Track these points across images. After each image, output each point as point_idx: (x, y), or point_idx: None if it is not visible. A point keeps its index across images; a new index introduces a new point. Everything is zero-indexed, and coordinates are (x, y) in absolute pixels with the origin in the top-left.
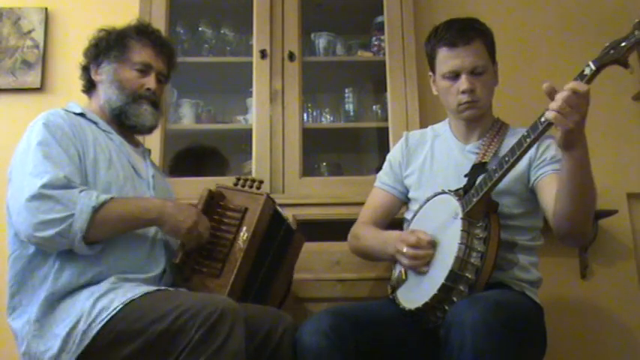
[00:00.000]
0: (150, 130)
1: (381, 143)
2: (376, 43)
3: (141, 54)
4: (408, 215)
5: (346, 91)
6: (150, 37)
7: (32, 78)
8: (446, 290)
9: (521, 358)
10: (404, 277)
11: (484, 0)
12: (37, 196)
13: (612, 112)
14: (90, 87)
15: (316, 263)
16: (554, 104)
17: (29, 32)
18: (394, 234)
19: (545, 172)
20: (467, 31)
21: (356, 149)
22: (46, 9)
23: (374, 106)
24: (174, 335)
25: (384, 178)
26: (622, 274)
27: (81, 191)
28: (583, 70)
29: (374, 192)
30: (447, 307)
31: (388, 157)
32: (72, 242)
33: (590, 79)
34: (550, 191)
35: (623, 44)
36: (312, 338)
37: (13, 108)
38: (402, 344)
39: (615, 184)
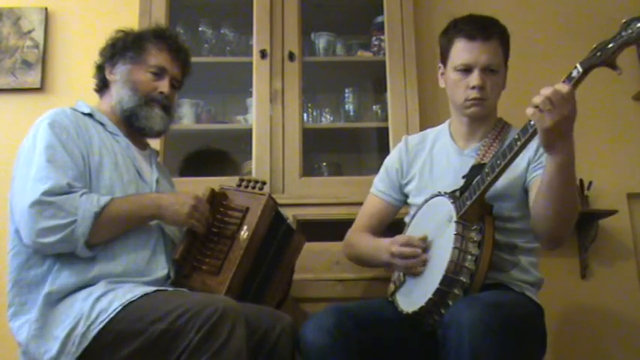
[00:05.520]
0: (158, 134)
1: (381, 143)
2: (376, 43)
3: (157, 57)
4: (407, 219)
5: (346, 91)
6: (167, 42)
7: (32, 78)
8: (441, 294)
9: (519, 356)
10: (402, 279)
11: (484, 0)
12: (39, 202)
13: (612, 112)
14: (103, 86)
15: (316, 263)
16: (535, 99)
17: (29, 32)
18: (386, 241)
19: (538, 174)
20: (488, 28)
21: (356, 149)
22: (46, 9)
23: (374, 106)
24: (175, 336)
25: (378, 184)
26: (622, 274)
27: (82, 195)
28: (571, 73)
29: (369, 199)
30: (442, 311)
31: (385, 162)
32: (74, 247)
33: (577, 82)
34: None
35: (610, 45)
36: (316, 336)
37: (13, 108)
38: (403, 344)
39: (615, 184)
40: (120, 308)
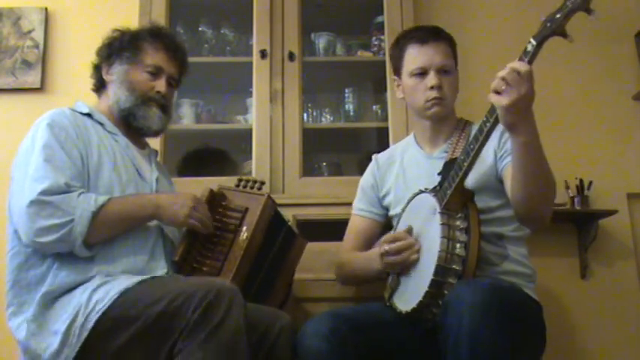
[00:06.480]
0: (156, 133)
1: (381, 143)
2: (376, 43)
3: (153, 57)
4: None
5: (346, 91)
6: (163, 41)
7: (32, 78)
8: (436, 285)
9: (517, 343)
10: (397, 281)
11: (483, 0)
12: (37, 202)
13: (612, 112)
14: (100, 86)
15: (316, 263)
16: (493, 82)
17: (29, 32)
18: (376, 249)
19: (508, 162)
20: (437, 32)
21: (356, 149)
22: (46, 9)
23: (374, 106)
24: (172, 317)
25: (358, 204)
26: (622, 274)
27: (79, 195)
28: (526, 48)
29: (352, 220)
30: (440, 302)
31: (360, 183)
32: (72, 246)
33: (533, 56)
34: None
35: (558, 15)
36: (313, 341)
37: (13, 108)
38: (401, 347)
39: (615, 184)
40: (117, 296)
